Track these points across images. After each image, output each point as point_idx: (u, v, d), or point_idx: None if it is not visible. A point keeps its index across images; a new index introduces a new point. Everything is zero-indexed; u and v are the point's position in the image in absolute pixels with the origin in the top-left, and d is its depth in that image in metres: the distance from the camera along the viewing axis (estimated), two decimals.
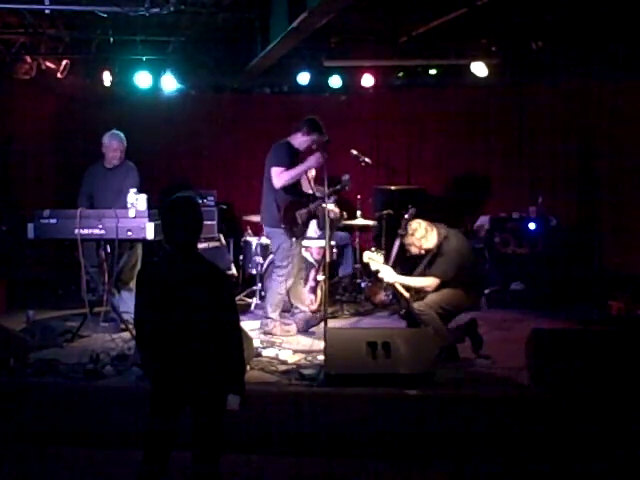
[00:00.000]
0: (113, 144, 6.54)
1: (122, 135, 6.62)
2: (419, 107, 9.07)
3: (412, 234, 5.47)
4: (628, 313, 6.68)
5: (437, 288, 5.40)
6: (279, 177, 6.11)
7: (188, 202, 3.38)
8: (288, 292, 6.42)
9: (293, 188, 6.25)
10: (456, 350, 5.49)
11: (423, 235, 5.46)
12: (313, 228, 7.66)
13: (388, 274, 5.51)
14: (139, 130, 8.10)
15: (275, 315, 6.28)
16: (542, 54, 7.75)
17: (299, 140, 6.22)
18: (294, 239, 6.22)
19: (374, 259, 5.59)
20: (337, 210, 7.42)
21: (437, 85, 8.82)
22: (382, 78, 8.54)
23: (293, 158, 6.19)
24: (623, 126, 8.34)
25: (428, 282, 5.40)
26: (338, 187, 6.35)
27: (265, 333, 6.19)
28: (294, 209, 6.20)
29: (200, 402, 3.25)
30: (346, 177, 6.34)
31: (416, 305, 5.42)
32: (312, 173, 7.57)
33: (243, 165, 8.81)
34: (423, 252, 5.52)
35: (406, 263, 5.89)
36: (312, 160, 6.15)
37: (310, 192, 6.47)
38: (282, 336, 6.13)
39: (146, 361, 3.42)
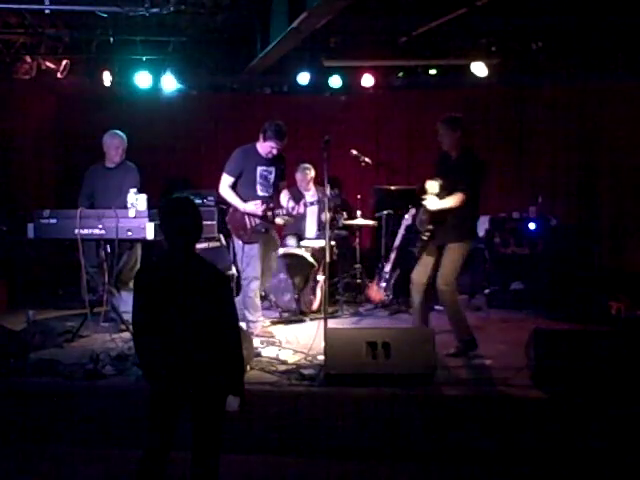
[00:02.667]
0: (115, 142, 6.55)
1: (123, 134, 6.64)
2: (419, 107, 9.06)
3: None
4: (628, 313, 6.68)
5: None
6: (221, 186, 6.18)
7: (186, 202, 3.38)
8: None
9: (249, 192, 6.16)
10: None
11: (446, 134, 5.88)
12: (310, 228, 7.68)
13: (432, 202, 5.60)
14: (139, 130, 8.09)
15: (253, 317, 6.26)
16: (542, 54, 7.75)
17: (261, 145, 6.15)
18: (241, 242, 6.16)
19: (433, 187, 5.64)
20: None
21: (437, 85, 8.81)
22: (382, 78, 8.54)
23: (247, 164, 6.13)
24: (623, 126, 8.34)
25: (457, 199, 5.50)
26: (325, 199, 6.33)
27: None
28: (245, 212, 6.14)
29: (199, 402, 3.25)
30: (335, 191, 6.29)
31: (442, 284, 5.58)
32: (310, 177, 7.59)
33: None
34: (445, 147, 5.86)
35: (407, 254, 5.92)
36: (247, 206, 6.10)
37: (265, 194, 6.21)
38: (263, 336, 6.12)
39: (144, 362, 3.42)
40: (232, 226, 6.24)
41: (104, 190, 6.48)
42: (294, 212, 6.37)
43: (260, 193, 6.19)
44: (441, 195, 5.59)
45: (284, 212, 6.30)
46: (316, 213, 7.62)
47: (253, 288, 6.22)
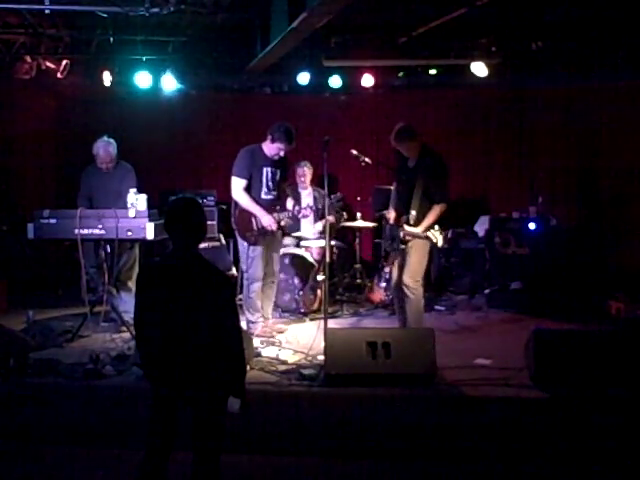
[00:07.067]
0: (100, 153, 6.43)
1: (109, 141, 6.47)
2: (419, 107, 9.06)
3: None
4: (628, 313, 6.68)
5: None
6: (235, 190, 6.12)
7: (192, 203, 3.38)
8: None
9: (254, 194, 6.15)
10: None
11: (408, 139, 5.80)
12: (310, 229, 7.67)
13: (419, 228, 5.52)
14: (139, 130, 8.12)
15: (253, 317, 6.27)
16: (542, 54, 7.76)
17: (267, 146, 6.12)
18: (246, 243, 6.16)
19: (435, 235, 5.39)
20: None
21: (437, 85, 8.81)
22: (382, 78, 8.54)
23: (254, 165, 6.11)
24: (623, 126, 8.34)
25: (439, 213, 5.48)
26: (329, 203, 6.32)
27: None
28: (252, 214, 6.13)
29: (200, 403, 3.25)
30: (337, 196, 6.29)
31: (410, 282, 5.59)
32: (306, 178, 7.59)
33: None
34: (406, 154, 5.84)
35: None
36: (263, 219, 6.07)
37: (270, 197, 6.22)
38: (263, 336, 6.12)
39: (146, 362, 3.42)
40: (238, 227, 6.23)
41: (102, 192, 6.43)
42: (299, 215, 6.44)
43: (264, 196, 6.18)
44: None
45: (289, 215, 6.31)
46: (312, 214, 7.62)
47: (255, 289, 6.23)
